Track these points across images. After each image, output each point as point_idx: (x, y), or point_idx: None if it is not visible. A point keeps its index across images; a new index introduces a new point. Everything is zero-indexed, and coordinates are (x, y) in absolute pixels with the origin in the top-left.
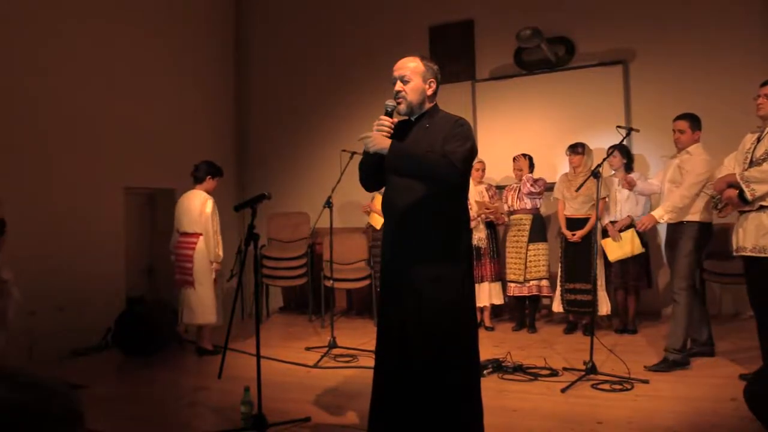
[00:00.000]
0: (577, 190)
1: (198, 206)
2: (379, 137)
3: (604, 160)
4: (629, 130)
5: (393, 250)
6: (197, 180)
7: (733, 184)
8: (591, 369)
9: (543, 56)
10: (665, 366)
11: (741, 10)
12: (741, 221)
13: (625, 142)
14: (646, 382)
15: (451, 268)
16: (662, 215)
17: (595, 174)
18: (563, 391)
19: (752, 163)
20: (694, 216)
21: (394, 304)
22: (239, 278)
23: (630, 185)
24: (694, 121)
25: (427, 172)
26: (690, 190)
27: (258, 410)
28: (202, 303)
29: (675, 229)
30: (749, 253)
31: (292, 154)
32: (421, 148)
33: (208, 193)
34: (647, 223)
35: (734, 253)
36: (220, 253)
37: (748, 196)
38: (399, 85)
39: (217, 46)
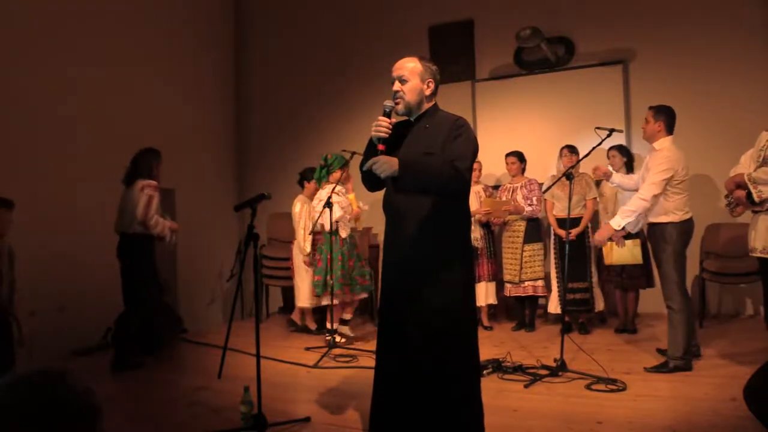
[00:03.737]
0: (546, 191)
1: (293, 209)
2: (388, 162)
3: (579, 161)
4: (610, 131)
5: (394, 251)
6: (301, 186)
7: (741, 185)
8: (560, 367)
9: (543, 56)
10: (666, 369)
11: (741, 10)
12: (753, 222)
13: (624, 142)
14: (613, 381)
15: (451, 269)
16: (619, 223)
17: (568, 175)
18: (526, 386)
19: (764, 162)
20: (666, 217)
21: (394, 305)
22: (239, 278)
23: (606, 176)
24: (658, 111)
25: (438, 188)
26: (647, 191)
27: (258, 410)
28: (297, 289)
29: (650, 232)
30: (759, 254)
31: (292, 154)
32: (433, 160)
33: (310, 194)
34: (604, 236)
35: (749, 254)
36: (306, 247)
37: (755, 197)
38: (397, 85)
39: (218, 47)
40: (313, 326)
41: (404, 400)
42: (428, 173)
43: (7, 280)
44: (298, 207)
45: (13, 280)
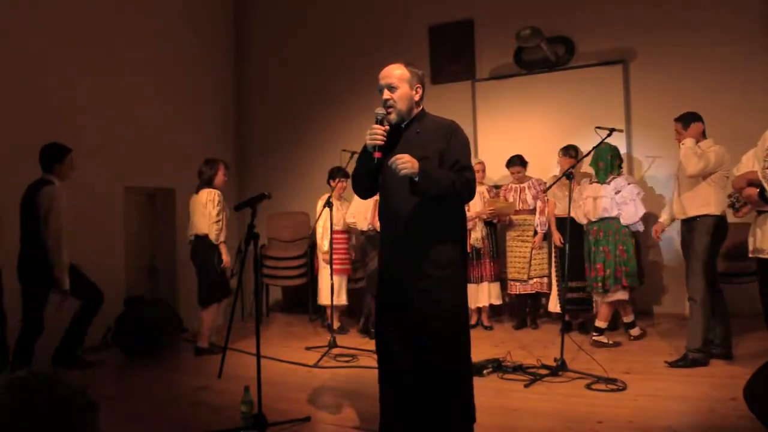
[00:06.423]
0: (546, 190)
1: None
2: (412, 161)
3: (579, 160)
4: (610, 131)
5: (391, 254)
6: (327, 185)
7: (754, 182)
8: (560, 366)
9: (543, 56)
10: (684, 363)
11: (741, 10)
12: (759, 222)
13: (624, 142)
14: (613, 381)
15: (449, 271)
16: (687, 143)
17: (568, 175)
18: (526, 386)
19: None
20: (708, 209)
21: (391, 305)
22: (239, 278)
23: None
24: (685, 120)
25: (451, 195)
26: (696, 166)
27: (258, 410)
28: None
29: (688, 225)
30: (767, 256)
31: (292, 154)
32: (440, 168)
33: (338, 193)
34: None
35: (750, 255)
36: (323, 246)
37: None
38: (387, 93)
39: (217, 46)
40: (336, 324)
41: (406, 398)
42: (444, 181)
43: None
44: (320, 206)
45: None
